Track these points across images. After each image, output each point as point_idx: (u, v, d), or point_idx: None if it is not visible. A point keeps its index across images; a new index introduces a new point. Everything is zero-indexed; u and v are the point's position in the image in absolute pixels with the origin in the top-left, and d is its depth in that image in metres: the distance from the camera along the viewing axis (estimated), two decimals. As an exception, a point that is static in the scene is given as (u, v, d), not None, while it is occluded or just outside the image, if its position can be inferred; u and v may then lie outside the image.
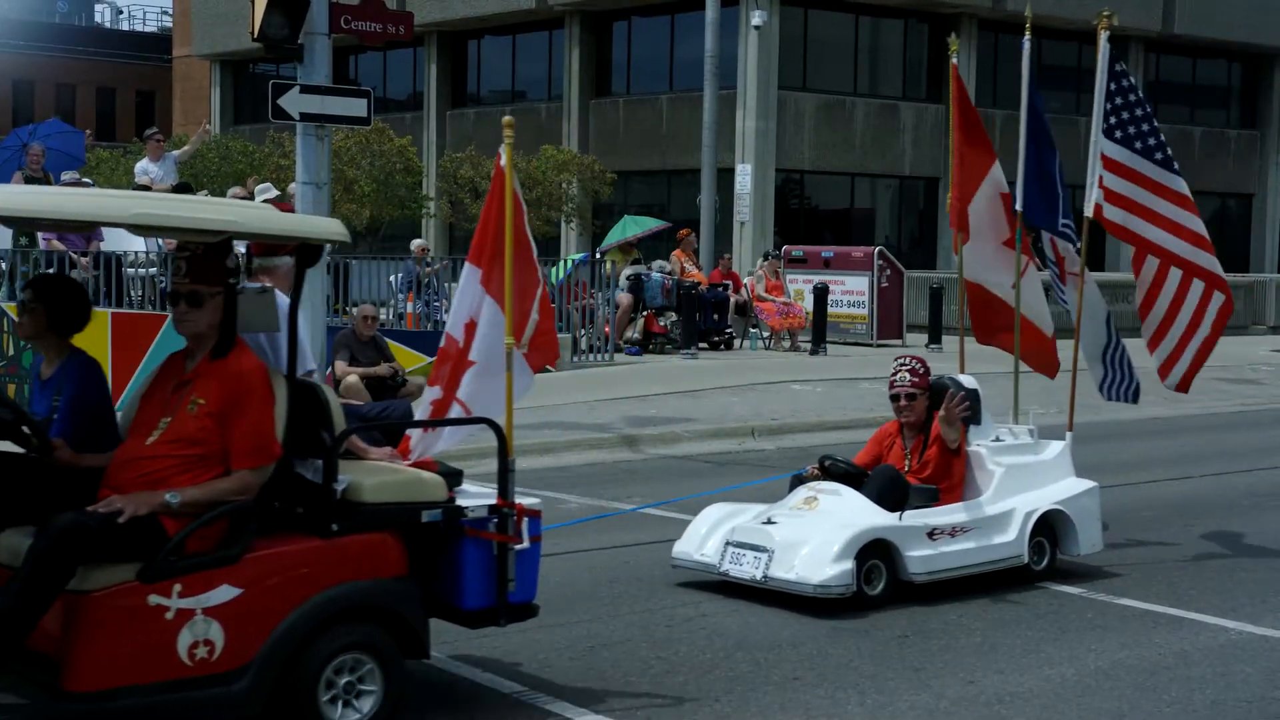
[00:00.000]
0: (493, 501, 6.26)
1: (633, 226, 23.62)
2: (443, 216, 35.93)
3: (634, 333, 21.87)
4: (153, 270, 16.95)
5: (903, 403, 8.80)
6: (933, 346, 23.34)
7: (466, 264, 7.08)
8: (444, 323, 19.13)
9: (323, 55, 13.37)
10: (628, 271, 22.17)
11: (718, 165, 27.88)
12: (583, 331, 20.03)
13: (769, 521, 8.30)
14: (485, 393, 6.76)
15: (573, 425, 14.25)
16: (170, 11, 59.98)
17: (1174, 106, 43.36)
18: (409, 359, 16.47)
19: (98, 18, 70.07)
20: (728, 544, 8.28)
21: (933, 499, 8.39)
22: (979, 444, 8.87)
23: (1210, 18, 40.96)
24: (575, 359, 19.32)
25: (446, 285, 20.32)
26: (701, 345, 21.91)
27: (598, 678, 6.74)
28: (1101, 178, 9.49)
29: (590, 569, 8.96)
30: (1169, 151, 9.75)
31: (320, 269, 13.78)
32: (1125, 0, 39.36)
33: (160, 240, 17.59)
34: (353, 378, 13.49)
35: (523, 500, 6.34)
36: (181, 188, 18.28)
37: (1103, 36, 9.57)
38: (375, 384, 13.69)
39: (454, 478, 6.53)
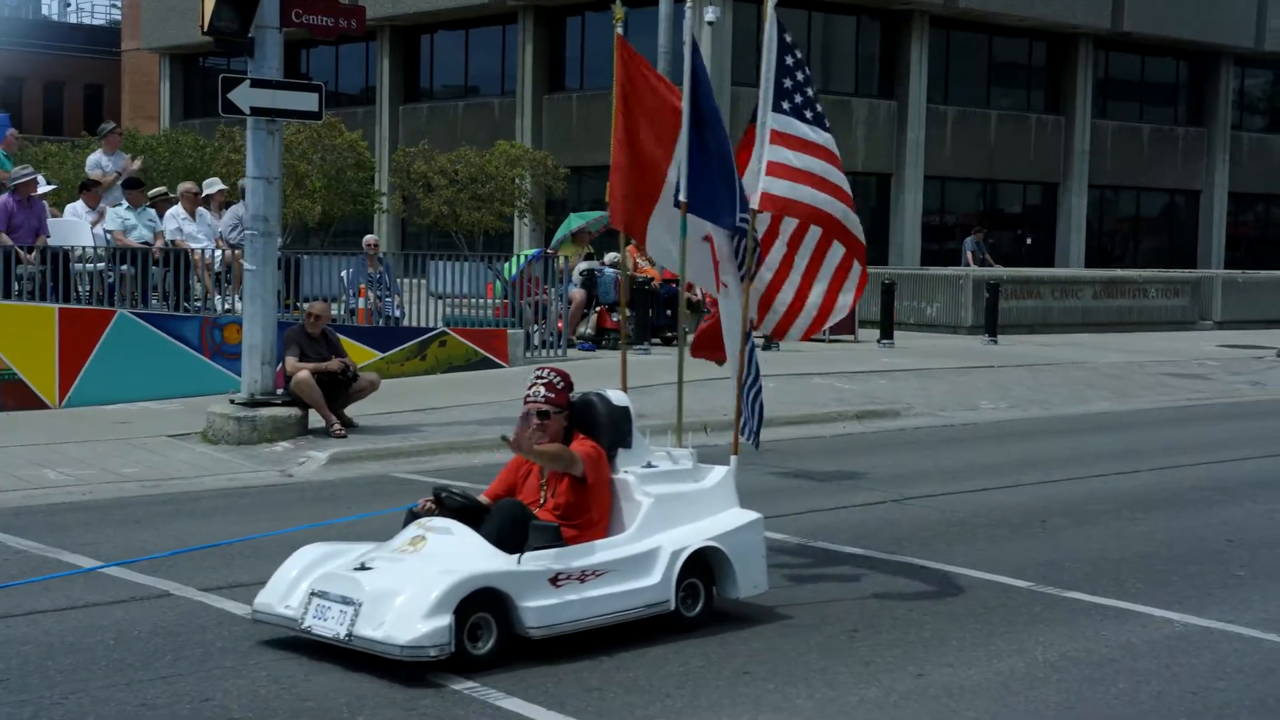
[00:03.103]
0: None
1: (576, 220, 23.64)
2: (395, 212, 35.77)
3: (587, 328, 21.88)
4: (100, 265, 16.80)
5: (534, 421, 7.44)
6: (885, 342, 23.47)
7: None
8: (396, 318, 19.20)
9: (273, 49, 13.30)
10: (581, 267, 22.18)
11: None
12: (535, 327, 20.01)
13: (363, 567, 6.95)
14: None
15: (525, 421, 14.22)
16: (119, 4, 59.44)
17: (1123, 104, 43.79)
18: (360, 354, 16.42)
19: (45, 10, 69.33)
20: (312, 594, 6.89)
21: (555, 537, 7.11)
22: (627, 471, 7.67)
23: (1159, 16, 41.34)
24: (528, 354, 19.30)
25: (399, 281, 20.25)
26: (654, 341, 21.94)
27: (551, 667, 6.74)
28: (773, 161, 8.19)
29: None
30: (819, 108, 8.48)
31: (271, 264, 13.73)
32: (1075, -2, 39.73)
33: (107, 234, 17.43)
34: (304, 374, 13.43)
35: None
36: (132, 183, 18.12)
37: (770, 2, 8.28)
38: (327, 381, 13.64)
39: None
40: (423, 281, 20.10)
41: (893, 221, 38.69)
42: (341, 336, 14.78)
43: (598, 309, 22.03)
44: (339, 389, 13.79)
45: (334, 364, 13.71)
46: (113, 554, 8.93)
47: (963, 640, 7.45)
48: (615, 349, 21.37)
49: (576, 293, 21.32)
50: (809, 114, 8.35)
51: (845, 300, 8.65)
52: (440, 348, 18.26)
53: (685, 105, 8.23)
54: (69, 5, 70.30)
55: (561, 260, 21.14)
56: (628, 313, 21.42)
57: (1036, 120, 41.66)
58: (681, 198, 8.27)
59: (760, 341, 9.50)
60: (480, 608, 6.68)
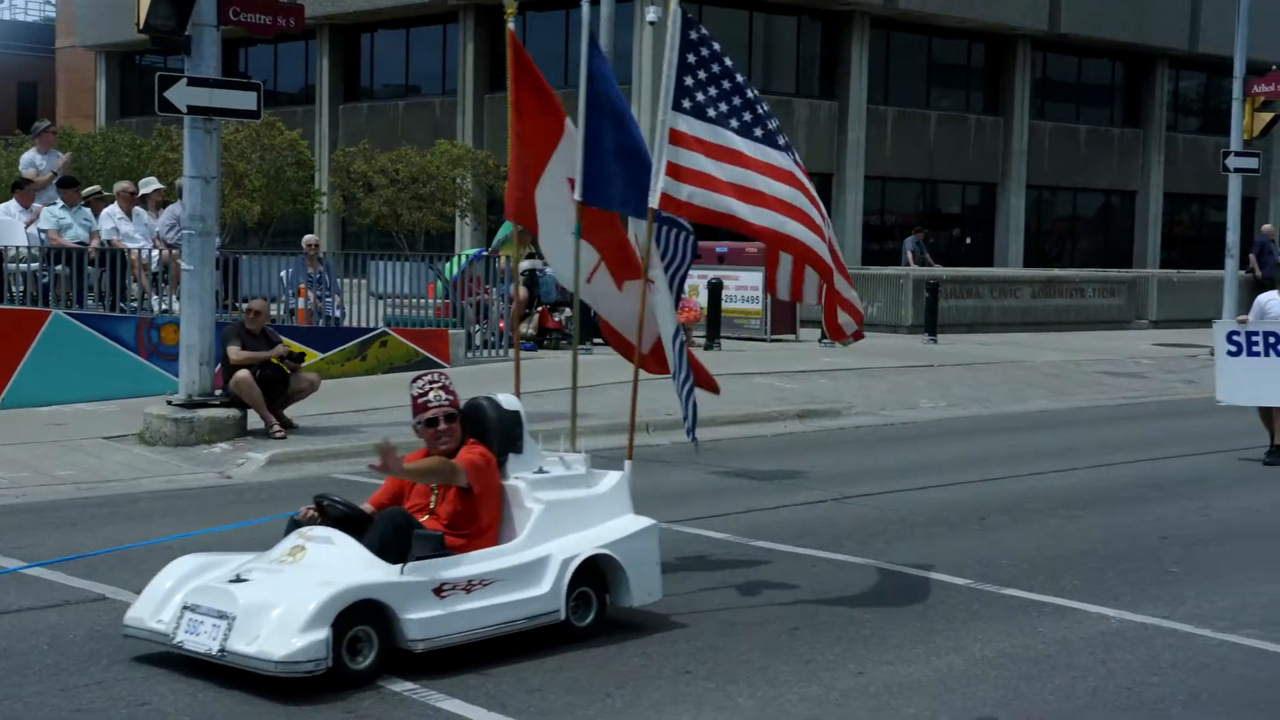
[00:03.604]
0: None
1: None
2: (335, 211, 35.58)
3: (529, 328, 21.84)
4: (34, 265, 16.60)
5: (442, 426, 7.26)
6: (826, 341, 23.56)
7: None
8: (337, 318, 19.08)
9: (211, 47, 13.19)
10: (523, 267, 22.12)
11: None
12: (477, 327, 19.96)
13: (239, 579, 6.72)
14: None
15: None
16: (53, 1, 58.69)
17: (1060, 104, 44.22)
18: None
19: (-23, 6, 68.38)
20: (184, 607, 6.66)
21: (439, 546, 6.93)
22: (518, 477, 7.49)
23: (1096, 18, 41.77)
24: (469, 355, 19.25)
25: (339, 281, 20.13)
26: (596, 341, 21.89)
27: (492, 668, 6.72)
28: (672, 162, 7.90)
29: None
30: (758, 112, 8.11)
31: (209, 264, 13.61)
32: (1014, 0, 40.07)
33: (42, 234, 17.22)
34: (244, 373, 13.33)
35: None
36: (67, 182, 17.91)
37: (674, 2, 7.98)
38: (267, 379, 13.53)
39: None
40: (363, 281, 20.00)
41: (834, 221, 38.61)
42: (282, 337, 14.67)
43: (539, 309, 22.00)
44: (278, 388, 13.71)
45: (278, 349, 13.70)
46: (47, 557, 8.81)
47: (902, 638, 7.50)
48: (558, 349, 21.41)
49: (519, 292, 21.27)
50: (734, 122, 8.02)
51: (851, 298, 8.53)
52: (381, 348, 18.18)
53: (581, 102, 8.07)
54: (1, 1, 69.41)
55: (503, 260, 21.08)
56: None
57: (975, 121, 41.99)
58: (577, 197, 8.16)
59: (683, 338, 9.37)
60: (360, 620, 6.46)
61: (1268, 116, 27.83)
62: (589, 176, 8.16)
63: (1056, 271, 34.36)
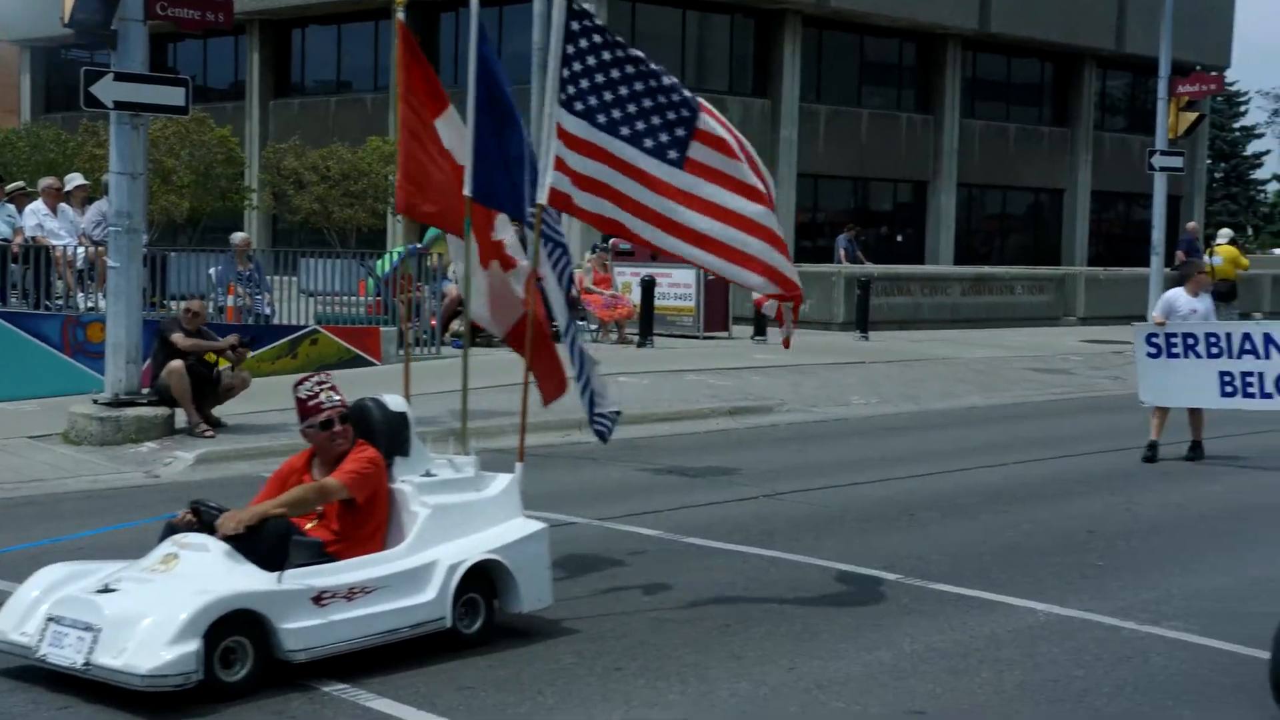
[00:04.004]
0: None
1: None
2: (265, 208, 35.26)
3: (460, 325, 21.74)
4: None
5: (337, 427, 7.11)
6: (758, 339, 23.66)
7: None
8: (267, 316, 18.91)
9: (138, 42, 13.04)
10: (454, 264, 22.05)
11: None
12: (408, 325, 19.83)
13: (106, 589, 6.47)
14: None
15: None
16: (-23, -6, 57.76)
17: (990, 103, 44.63)
18: (230, 353, 16.14)
19: (-101, -1, 67.16)
20: (49, 619, 6.40)
21: (318, 554, 6.77)
22: (404, 480, 7.29)
23: (1025, 18, 42.19)
24: (400, 352, 19.13)
25: (269, 278, 19.97)
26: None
27: (423, 668, 6.70)
28: (560, 158, 7.78)
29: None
30: (650, 120, 7.91)
31: (136, 261, 13.45)
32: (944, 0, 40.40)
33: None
34: (178, 362, 13.16)
35: None
36: (-10, 177, 17.65)
37: None
38: (195, 375, 13.38)
39: None
40: (294, 279, 19.84)
41: (767, 219, 39.02)
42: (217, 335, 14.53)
43: (472, 306, 21.90)
44: (207, 387, 13.57)
45: (231, 337, 13.61)
46: (-30, 559, 8.68)
47: (832, 633, 7.55)
48: (490, 346, 21.32)
49: (450, 289, 21.19)
50: (602, 118, 7.79)
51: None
52: (312, 346, 18.05)
53: (471, 95, 7.88)
54: (-76, -6, 68.22)
55: (434, 258, 20.99)
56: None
57: (907, 119, 42.29)
58: (466, 191, 8.00)
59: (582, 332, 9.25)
60: (234, 631, 6.24)
61: (1192, 116, 28.26)
62: (477, 174, 7.98)
63: (986, 269, 34.69)
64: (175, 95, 13.38)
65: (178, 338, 13.31)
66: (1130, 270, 34.14)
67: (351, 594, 6.68)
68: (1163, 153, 27.53)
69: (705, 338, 24.03)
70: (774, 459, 13.41)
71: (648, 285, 23.06)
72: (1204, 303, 13.94)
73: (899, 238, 43.02)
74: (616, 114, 7.81)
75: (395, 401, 7.45)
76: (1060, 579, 8.85)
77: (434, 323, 20.10)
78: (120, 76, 12.93)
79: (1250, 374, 13.37)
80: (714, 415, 16.00)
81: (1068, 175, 46.29)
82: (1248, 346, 13.36)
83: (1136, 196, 45.68)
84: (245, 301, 18.90)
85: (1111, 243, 47.91)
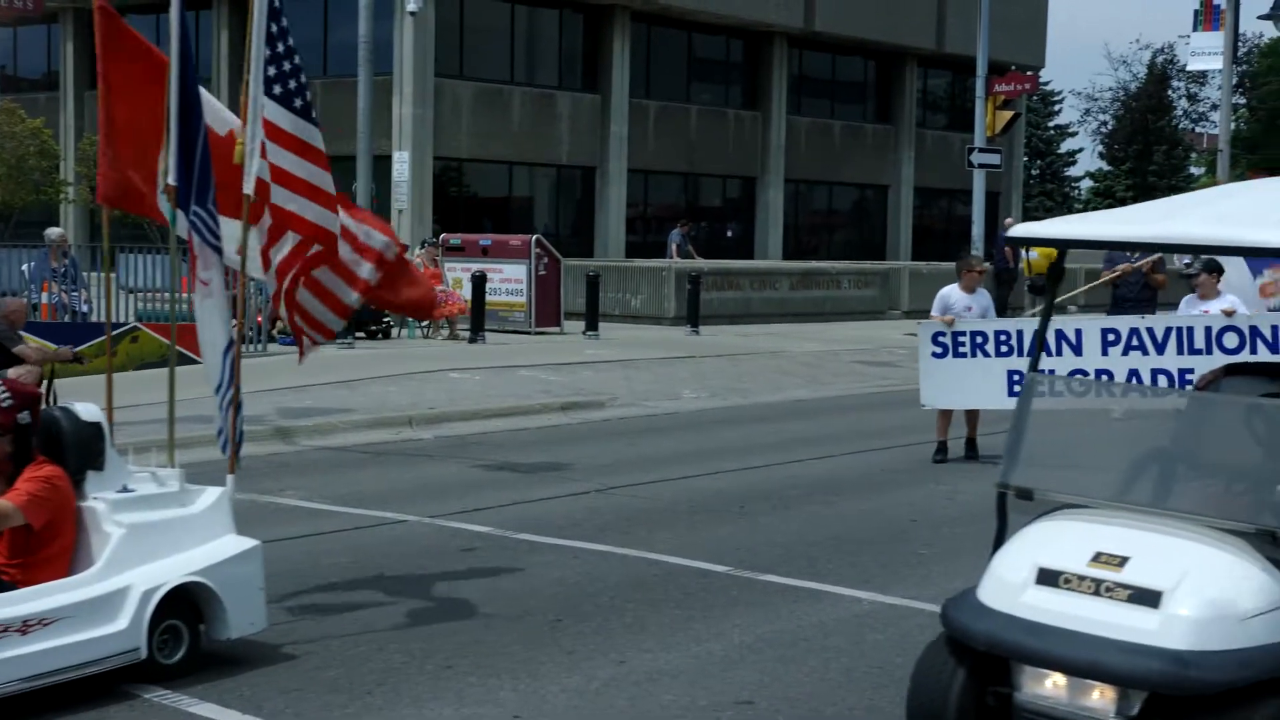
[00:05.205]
0: None
1: None
2: (82, 202, 34.23)
3: (286, 324, 21.39)
4: None
5: None
6: (590, 334, 23.71)
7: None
8: (84, 313, 18.34)
9: (-58, 29, 12.54)
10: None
11: (374, 152, 27.50)
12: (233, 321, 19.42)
13: None
14: None
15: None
16: None
17: (816, 100, 45.36)
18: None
19: None
20: None
21: None
22: (97, 497, 6.61)
23: (848, 17, 42.96)
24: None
25: (85, 275, 19.38)
26: (359, 334, 21.61)
27: (247, 671, 6.57)
28: (265, 147, 7.43)
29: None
30: (309, 97, 7.69)
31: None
32: (769, -2, 40.94)
33: None
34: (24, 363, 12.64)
35: None
36: None
37: None
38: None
39: None
40: (113, 275, 19.25)
41: (597, 214, 39.12)
42: (27, 335, 14.02)
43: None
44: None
45: (65, 350, 13.08)
46: None
47: (662, 626, 7.60)
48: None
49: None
50: (297, 101, 7.50)
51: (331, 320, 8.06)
52: (132, 344, 17.57)
53: (173, 88, 7.53)
54: None
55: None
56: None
57: (735, 116, 42.74)
58: (170, 180, 7.48)
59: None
60: None
61: (1008, 114, 29.12)
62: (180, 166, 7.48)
63: (814, 264, 35.26)
64: (-17, 85, 12.89)
65: (23, 349, 12.70)
66: (952, 264, 34.91)
67: (26, 627, 6.04)
68: (981, 150, 28.31)
69: (537, 333, 24.00)
70: (606, 453, 13.45)
71: (479, 280, 22.95)
72: (980, 299, 13.33)
73: (729, 233, 43.48)
74: (293, 84, 7.52)
75: (88, 410, 6.78)
76: (885, 567, 9.04)
77: (260, 319, 19.72)
78: (-76, 65, 12.42)
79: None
80: (546, 411, 15.98)
81: (891, 171, 47.28)
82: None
83: (957, 193, 46.84)
84: (61, 299, 18.33)
85: (934, 238, 49.07)
